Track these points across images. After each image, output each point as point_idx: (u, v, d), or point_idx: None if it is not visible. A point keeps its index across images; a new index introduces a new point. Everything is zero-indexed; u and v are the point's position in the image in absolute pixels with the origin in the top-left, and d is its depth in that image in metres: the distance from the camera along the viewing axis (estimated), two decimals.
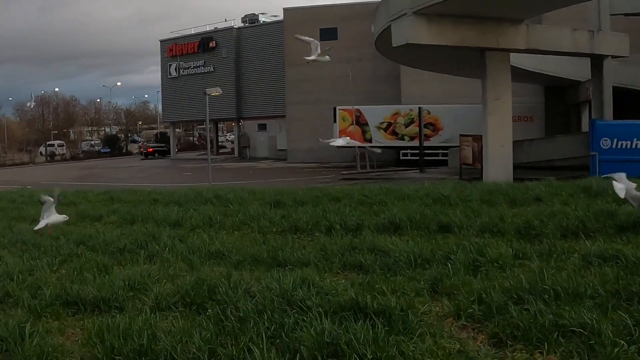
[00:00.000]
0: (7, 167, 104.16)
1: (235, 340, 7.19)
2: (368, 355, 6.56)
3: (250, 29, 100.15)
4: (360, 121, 65.01)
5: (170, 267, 10.85)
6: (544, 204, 15.24)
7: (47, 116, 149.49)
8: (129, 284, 9.63)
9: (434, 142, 63.21)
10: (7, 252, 13.11)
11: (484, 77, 41.26)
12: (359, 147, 59.39)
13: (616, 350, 6.46)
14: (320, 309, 7.76)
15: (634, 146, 40.14)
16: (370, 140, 64.94)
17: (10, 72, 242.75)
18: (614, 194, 13.05)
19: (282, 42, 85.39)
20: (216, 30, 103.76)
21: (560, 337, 6.89)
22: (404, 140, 65.19)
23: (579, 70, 51.95)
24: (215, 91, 48.09)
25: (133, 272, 10.40)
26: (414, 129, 63.73)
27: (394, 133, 65.14)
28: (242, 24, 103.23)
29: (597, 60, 47.07)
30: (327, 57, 19.57)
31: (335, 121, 66.39)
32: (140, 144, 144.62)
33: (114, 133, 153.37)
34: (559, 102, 61.63)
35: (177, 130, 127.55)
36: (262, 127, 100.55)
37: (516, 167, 41.32)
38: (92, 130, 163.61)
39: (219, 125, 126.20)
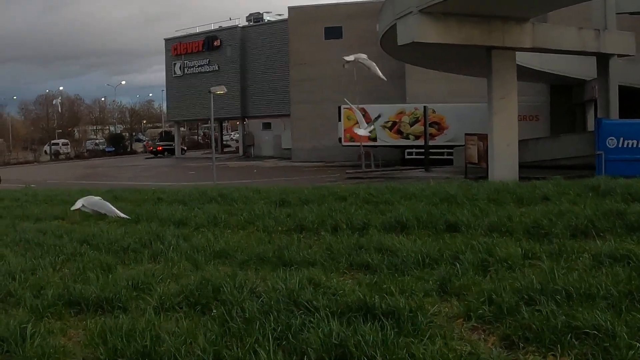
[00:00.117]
0: (11, 165, 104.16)
1: (241, 341, 7.03)
2: (377, 358, 6.40)
3: (255, 28, 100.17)
4: (365, 120, 64.81)
5: (175, 267, 10.70)
6: (552, 203, 15.06)
7: (52, 115, 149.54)
8: (133, 284, 9.48)
9: (439, 141, 63.13)
10: (9, 251, 12.99)
11: (489, 76, 41.18)
12: (364, 145, 59.41)
13: (632, 352, 6.30)
14: (328, 310, 7.61)
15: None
16: (375, 139, 64.81)
17: (14, 71, 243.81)
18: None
19: (287, 41, 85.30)
20: (221, 29, 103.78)
21: (573, 339, 6.73)
22: (408, 139, 65.10)
23: (584, 69, 51.81)
24: (220, 90, 48.06)
25: (137, 271, 10.27)
26: (419, 128, 63.63)
27: (399, 132, 65.01)
28: (246, 23, 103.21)
29: (603, 59, 46.94)
30: (364, 55, 19.55)
31: (340, 120, 66.25)
32: (144, 142, 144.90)
33: (119, 132, 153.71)
34: (564, 101, 61.52)
35: (182, 129, 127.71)
36: (267, 126, 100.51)
37: (521, 166, 41.25)
38: (96, 129, 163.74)
39: (223, 124, 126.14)
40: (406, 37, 38.60)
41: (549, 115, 63.84)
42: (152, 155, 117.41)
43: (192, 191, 22.22)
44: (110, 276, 10.10)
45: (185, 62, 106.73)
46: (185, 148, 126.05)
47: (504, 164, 40.20)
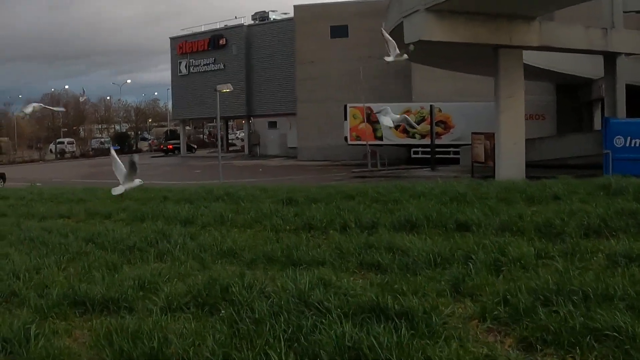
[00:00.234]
0: (16, 164, 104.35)
1: (251, 343, 6.85)
2: None
3: (261, 27, 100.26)
4: (371, 119, 64.76)
5: (182, 266, 10.52)
6: (563, 202, 14.84)
7: (57, 114, 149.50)
8: (139, 284, 9.30)
9: (445, 140, 63.13)
10: (14, 250, 12.86)
11: (496, 75, 41.16)
12: (370, 144, 59.32)
13: None
14: (339, 311, 7.43)
15: None
16: (381, 138, 64.82)
17: (20, 70, 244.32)
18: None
19: (293, 40, 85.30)
20: (226, 28, 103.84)
21: (593, 341, 6.54)
22: (415, 138, 65.00)
23: (591, 68, 51.69)
24: (226, 88, 47.99)
25: (143, 271, 10.07)
26: (425, 126, 63.53)
27: (405, 131, 64.87)
28: (252, 22, 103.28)
29: (610, 58, 46.85)
30: (405, 55, 19.28)
31: (346, 119, 66.23)
32: (150, 141, 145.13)
33: (124, 131, 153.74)
34: (571, 100, 61.38)
35: (187, 127, 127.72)
36: (273, 124, 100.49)
37: (528, 165, 41.26)
38: (102, 128, 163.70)
39: (229, 123, 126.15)
40: (413, 35, 38.52)
41: (556, 114, 63.72)
42: (163, 154, 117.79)
43: (198, 190, 22.05)
44: (116, 275, 9.95)
45: (191, 60, 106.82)
46: (195, 147, 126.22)
47: (510, 163, 40.16)
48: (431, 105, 61.67)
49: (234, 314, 7.70)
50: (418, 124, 64.53)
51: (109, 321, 7.87)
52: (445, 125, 64.04)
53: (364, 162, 62.98)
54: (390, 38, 17.94)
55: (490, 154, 45.08)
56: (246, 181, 35.74)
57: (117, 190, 14.37)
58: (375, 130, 65.19)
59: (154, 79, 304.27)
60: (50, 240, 13.58)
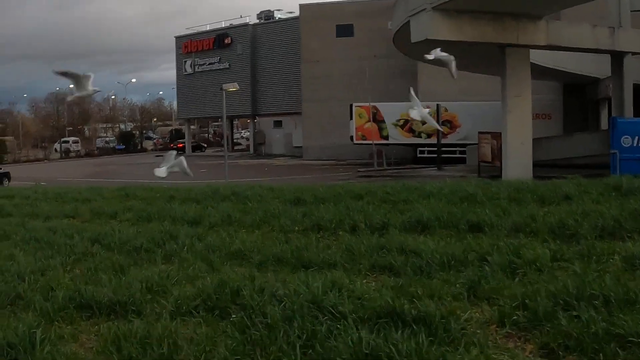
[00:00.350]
0: (21, 163, 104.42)
1: (264, 350, 6.66)
2: None
3: (266, 26, 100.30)
4: (377, 118, 64.69)
5: (190, 268, 10.31)
6: (575, 203, 14.64)
7: (62, 113, 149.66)
8: (147, 286, 9.09)
9: (451, 139, 62.98)
10: (19, 251, 12.68)
11: (503, 74, 41.04)
12: (376, 144, 59.21)
13: None
14: (355, 316, 7.21)
15: None
16: (387, 138, 64.75)
17: (24, 69, 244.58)
18: None
19: (298, 39, 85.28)
20: (231, 27, 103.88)
21: (617, 348, 6.33)
22: (420, 137, 64.92)
23: (598, 67, 51.59)
24: (233, 87, 47.83)
25: (150, 272, 9.86)
26: (431, 126, 63.37)
27: (411, 130, 64.80)
28: (257, 21, 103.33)
29: (617, 57, 46.69)
30: (445, 54, 19.17)
31: (351, 118, 66.16)
32: (155, 140, 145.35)
33: (129, 130, 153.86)
34: (577, 99, 61.27)
35: (192, 127, 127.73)
36: (278, 124, 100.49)
37: (534, 165, 41.18)
38: (106, 127, 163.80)
39: (234, 122, 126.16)
40: (419, 34, 38.46)
41: (562, 114, 63.53)
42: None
43: (205, 189, 21.86)
44: (123, 278, 9.73)
45: (196, 59, 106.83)
46: (206, 145, 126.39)
47: (518, 163, 40.05)
48: (437, 105, 61.46)
49: (246, 318, 7.49)
50: (424, 124, 64.43)
51: (117, 325, 7.67)
52: (452, 124, 63.91)
53: (370, 161, 62.90)
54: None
55: (497, 153, 44.95)
56: (252, 180, 35.62)
57: (160, 172, 14.35)
58: (381, 129, 65.17)
59: (158, 78, 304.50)
60: (55, 241, 13.42)
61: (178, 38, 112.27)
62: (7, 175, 59.23)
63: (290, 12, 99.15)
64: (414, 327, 6.86)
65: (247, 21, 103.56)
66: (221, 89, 47.78)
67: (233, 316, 7.73)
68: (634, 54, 46.67)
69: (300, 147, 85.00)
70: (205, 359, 6.53)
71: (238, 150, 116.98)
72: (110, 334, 7.39)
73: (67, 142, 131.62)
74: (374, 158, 61.96)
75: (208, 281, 9.11)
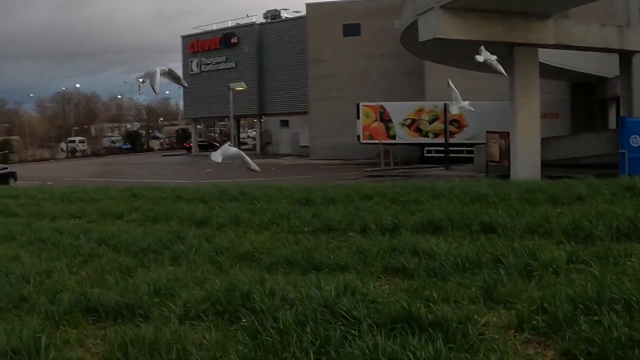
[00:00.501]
0: (28, 163, 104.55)
1: (277, 356, 6.47)
2: None
3: (273, 25, 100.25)
4: (384, 117, 64.57)
5: (198, 270, 10.13)
6: (588, 204, 14.47)
7: (68, 112, 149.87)
8: (154, 289, 8.90)
9: (458, 139, 62.83)
10: (24, 252, 12.59)
11: (512, 74, 40.81)
12: (383, 143, 59.10)
13: None
14: (369, 321, 7.00)
15: None
16: (394, 137, 64.65)
17: (31, 68, 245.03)
18: None
19: (305, 38, 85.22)
20: (238, 26, 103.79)
21: None
22: (428, 137, 64.79)
23: (606, 67, 51.37)
24: (240, 86, 47.79)
25: (158, 274, 9.69)
26: (438, 125, 63.38)
27: (418, 130, 64.68)
28: (264, 20, 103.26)
29: (625, 56, 46.45)
30: (494, 57, 19.11)
31: (358, 117, 66.05)
32: (161, 140, 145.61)
33: (135, 129, 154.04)
34: (585, 98, 61.01)
35: (198, 126, 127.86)
36: (285, 123, 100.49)
37: (542, 164, 41.03)
38: (113, 127, 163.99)
39: (240, 122, 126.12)
40: (427, 33, 38.32)
41: (570, 113, 63.28)
42: (185, 152, 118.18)
43: (212, 189, 21.77)
44: (130, 280, 9.56)
45: (202, 59, 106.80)
46: (218, 145, 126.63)
47: (526, 163, 39.92)
48: (445, 104, 61.28)
49: (256, 323, 7.28)
50: (431, 123, 64.34)
51: (124, 330, 7.44)
52: (459, 124, 63.71)
53: (377, 161, 62.71)
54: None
55: (505, 153, 44.77)
56: (258, 180, 35.49)
57: (216, 157, 14.34)
58: (388, 129, 65.05)
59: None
60: (61, 242, 13.33)
61: (184, 37, 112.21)
62: (13, 174, 59.25)
63: (297, 12, 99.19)
64: (431, 332, 6.66)
65: (254, 20, 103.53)
66: (228, 88, 47.72)
67: (243, 321, 7.53)
68: None
69: (307, 146, 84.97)
70: None
71: (245, 149, 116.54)
72: (117, 339, 7.18)
73: (74, 141, 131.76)
74: (381, 158, 61.75)
75: (217, 284, 8.91)
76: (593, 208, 13.46)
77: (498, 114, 51.58)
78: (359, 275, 9.34)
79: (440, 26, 37.64)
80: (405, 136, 65.10)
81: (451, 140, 61.72)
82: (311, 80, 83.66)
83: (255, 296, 8.08)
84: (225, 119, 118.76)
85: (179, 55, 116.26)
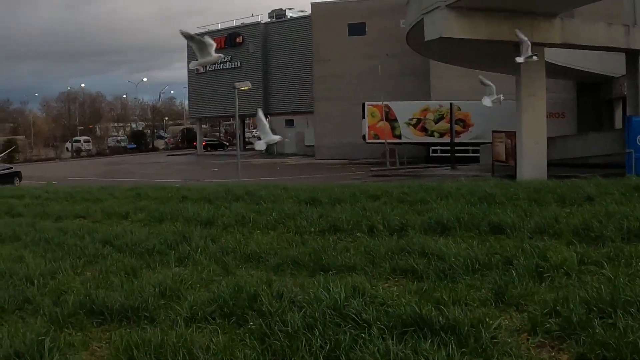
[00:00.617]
0: (33, 162, 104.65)
1: None
2: None
3: (278, 24, 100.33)
4: (389, 117, 64.46)
5: (204, 271, 10.00)
6: (598, 204, 14.35)
7: (74, 112, 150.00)
8: (160, 291, 8.76)
9: (464, 138, 62.67)
10: (29, 252, 12.50)
11: (518, 73, 40.73)
12: (388, 143, 59.00)
13: None
14: (380, 324, 6.87)
15: None
16: (399, 137, 64.58)
17: (36, 68, 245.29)
18: None
19: (310, 38, 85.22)
20: (243, 26, 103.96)
21: None
22: (433, 136, 64.70)
23: (612, 66, 51.18)
24: (245, 85, 47.76)
25: (163, 276, 9.55)
26: (444, 125, 63.32)
27: (424, 129, 64.60)
28: (269, 19, 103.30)
29: (632, 55, 46.21)
30: (535, 57, 19.21)
31: (364, 117, 65.99)
32: (166, 139, 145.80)
33: (140, 129, 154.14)
34: (591, 98, 60.85)
35: (204, 126, 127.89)
36: (290, 123, 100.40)
37: (549, 164, 40.78)
38: (118, 126, 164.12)
39: (245, 121, 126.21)
40: (433, 32, 38.20)
41: (576, 113, 63.13)
42: (196, 151, 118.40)
43: (218, 189, 21.69)
44: (135, 282, 9.44)
45: None
46: (227, 144, 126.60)
47: (532, 162, 39.78)
48: (451, 104, 61.26)
49: (264, 326, 7.14)
50: (436, 123, 64.28)
51: (129, 333, 7.30)
52: (464, 123, 63.60)
53: (382, 160, 62.64)
54: (525, 38, 17.76)
55: (512, 152, 44.60)
56: (264, 180, 35.44)
57: (260, 145, 14.33)
58: (393, 128, 64.97)
59: (170, 77, 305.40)
60: (66, 242, 13.23)
61: None
62: (18, 174, 59.22)
63: (302, 11, 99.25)
64: (443, 336, 6.52)
65: (259, 20, 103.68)
66: (234, 87, 47.70)
67: (251, 323, 7.39)
68: None
69: (312, 146, 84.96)
70: None
71: (249, 149, 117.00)
72: (122, 342, 7.03)
73: (79, 141, 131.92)
74: (386, 157, 61.65)
75: (223, 285, 8.79)
76: (602, 208, 13.36)
77: (504, 114, 51.39)
78: (368, 276, 9.22)
79: (446, 25, 37.50)
80: (410, 136, 65.02)
81: (457, 140, 61.56)
82: (316, 80, 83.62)
83: (263, 298, 7.96)
84: (230, 118, 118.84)
85: (184, 55, 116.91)
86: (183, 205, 18.25)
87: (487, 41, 39.20)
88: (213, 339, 6.96)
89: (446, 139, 62.50)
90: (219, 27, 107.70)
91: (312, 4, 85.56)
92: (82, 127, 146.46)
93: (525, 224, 12.11)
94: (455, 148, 60.61)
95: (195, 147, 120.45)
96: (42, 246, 13.18)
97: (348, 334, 6.65)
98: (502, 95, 19.53)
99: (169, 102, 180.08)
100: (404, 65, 73.40)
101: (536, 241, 10.74)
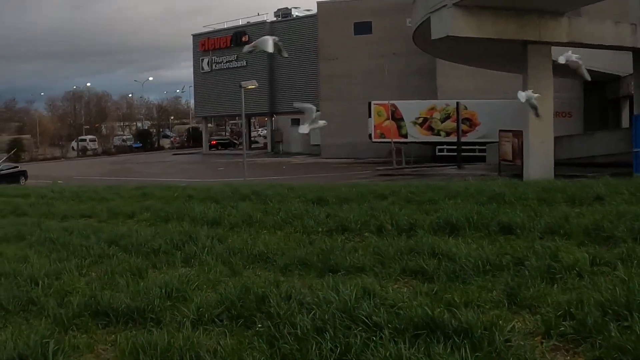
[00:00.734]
0: (38, 161, 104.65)
1: None
2: None
3: (284, 23, 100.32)
4: (395, 116, 64.32)
5: (211, 272, 9.86)
6: (608, 204, 14.21)
7: (79, 111, 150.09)
8: (166, 292, 8.59)
9: (470, 137, 62.51)
10: (33, 252, 12.34)
11: (524, 72, 40.67)
12: (394, 142, 58.89)
13: None
14: (391, 326, 6.72)
15: None
16: (405, 136, 64.45)
17: (42, 68, 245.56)
18: None
19: (316, 37, 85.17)
20: (249, 25, 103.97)
21: None
22: (439, 135, 64.56)
23: (619, 65, 51.07)
24: (251, 84, 47.64)
25: (170, 277, 9.40)
26: (450, 124, 63.20)
27: (430, 128, 64.47)
28: (275, 18, 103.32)
29: (639, 55, 46.05)
30: (574, 57, 19.08)
31: (370, 116, 65.85)
32: (172, 138, 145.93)
33: (146, 128, 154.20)
34: (597, 97, 60.79)
35: (209, 125, 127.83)
36: (296, 122, 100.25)
37: (555, 163, 40.65)
38: (124, 125, 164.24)
39: (251, 120, 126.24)
40: (440, 31, 38.11)
41: (582, 112, 63.03)
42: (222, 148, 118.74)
43: (224, 188, 21.56)
44: (141, 282, 9.29)
45: (213, 57, 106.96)
46: (238, 143, 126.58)
47: (539, 162, 39.69)
48: (457, 103, 61.13)
49: (273, 328, 7.00)
50: (443, 122, 64.14)
51: (135, 335, 7.17)
52: (471, 122, 63.44)
53: (389, 159, 62.56)
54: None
55: (518, 152, 44.47)
56: (270, 179, 35.36)
57: (303, 129, 14.39)
58: (399, 127, 64.81)
59: (175, 77, 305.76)
60: (71, 242, 13.09)
61: (195, 36, 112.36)
62: (24, 173, 59.17)
63: (308, 10, 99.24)
64: (456, 339, 6.38)
65: (265, 19, 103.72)
66: (240, 86, 47.62)
67: (259, 326, 7.25)
68: None
69: (318, 145, 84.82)
70: None
71: (256, 148, 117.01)
72: (127, 344, 6.91)
73: (84, 140, 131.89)
74: (392, 156, 61.56)
75: (231, 286, 8.64)
76: (613, 208, 13.22)
77: (510, 113, 51.24)
78: (377, 277, 9.08)
79: (453, 24, 37.42)
80: (417, 135, 64.89)
81: (463, 139, 61.44)
82: (322, 79, 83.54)
83: (271, 300, 7.81)
84: (236, 117, 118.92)
85: (190, 54, 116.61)
86: (189, 204, 18.11)
87: (494, 40, 39.12)
88: (221, 342, 6.83)
89: (453, 138, 62.41)
90: (225, 26, 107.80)
91: (318, 3, 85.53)
92: (88, 126, 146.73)
93: (535, 224, 11.96)
94: (462, 147, 60.48)
95: (209, 147, 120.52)
96: (47, 246, 13.04)
97: (359, 337, 6.51)
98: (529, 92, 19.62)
99: (174, 101, 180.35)
100: (410, 64, 73.29)
101: (547, 241, 10.61)
